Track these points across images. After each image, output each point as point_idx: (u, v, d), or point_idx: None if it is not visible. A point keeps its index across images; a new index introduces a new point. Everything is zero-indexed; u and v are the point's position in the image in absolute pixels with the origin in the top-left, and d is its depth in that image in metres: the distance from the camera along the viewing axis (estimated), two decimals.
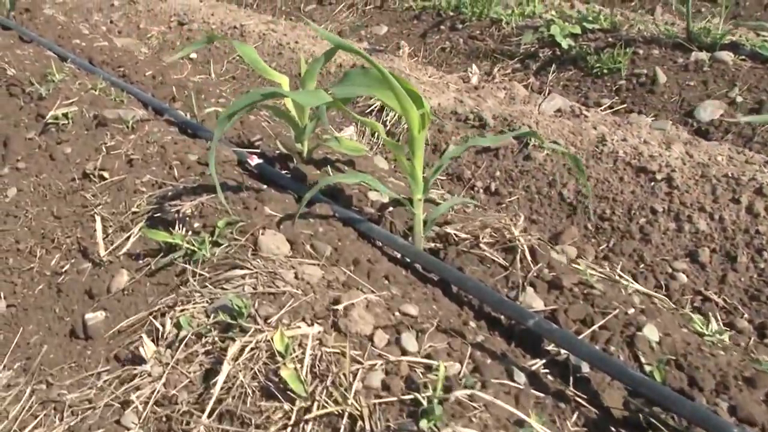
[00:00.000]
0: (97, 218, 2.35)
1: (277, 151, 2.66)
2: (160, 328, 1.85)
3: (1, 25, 4.65)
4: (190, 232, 2.14)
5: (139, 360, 1.84)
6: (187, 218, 2.18)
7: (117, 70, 3.77)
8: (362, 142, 3.60)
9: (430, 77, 4.54)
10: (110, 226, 2.36)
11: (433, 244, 2.07)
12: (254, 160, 2.51)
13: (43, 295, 2.32)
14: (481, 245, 1.94)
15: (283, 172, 2.48)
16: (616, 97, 4.19)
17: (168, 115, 2.98)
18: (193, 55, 5.77)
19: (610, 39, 4.64)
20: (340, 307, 1.61)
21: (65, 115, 2.93)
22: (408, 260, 2.02)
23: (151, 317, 1.91)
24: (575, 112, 4.03)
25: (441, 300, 1.79)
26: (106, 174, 2.58)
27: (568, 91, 4.54)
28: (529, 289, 1.75)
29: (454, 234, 2.02)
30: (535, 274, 1.83)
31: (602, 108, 4.10)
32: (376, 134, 3.88)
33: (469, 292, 1.77)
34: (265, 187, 2.29)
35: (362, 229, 2.07)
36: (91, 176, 2.61)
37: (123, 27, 6.54)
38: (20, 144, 2.91)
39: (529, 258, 1.88)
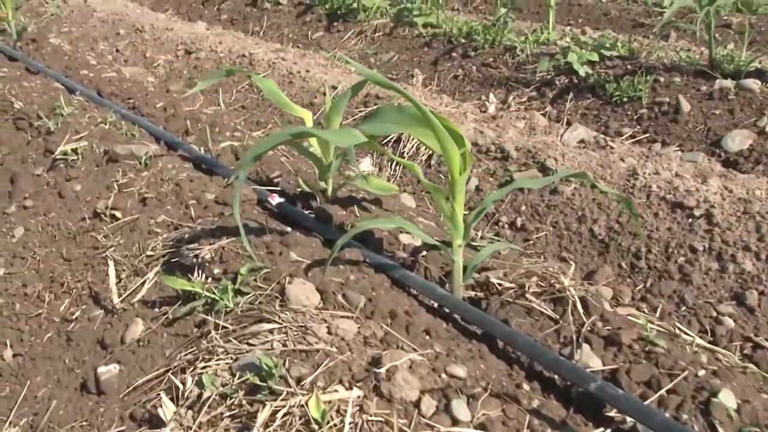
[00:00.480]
0: (110, 262, 2.21)
1: (299, 189, 2.53)
2: (180, 386, 1.70)
3: (8, 56, 4.55)
4: (210, 279, 2.00)
5: (157, 421, 1.69)
6: (207, 263, 2.04)
7: (127, 102, 3.65)
8: (381, 176, 3.47)
9: (446, 107, 4.43)
10: (123, 270, 2.22)
11: (472, 293, 1.93)
12: (275, 199, 2.38)
13: (51, 344, 2.17)
14: (527, 295, 1.80)
15: (307, 212, 2.35)
16: (638, 126, 4.07)
17: (182, 150, 2.85)
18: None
19: (628, 66, 4.54)
20: (382, 370, 1.46)
21: (74, 151, 2.81)
22: (446, 310, 1.87)
23: (170, 373, 1.77)
24: (600, 143, 3.91)
25: (488, 358, 1.65)
26: (118, 213, 2.44)
27: (587, 120, 4.42)
28: (585, 347, 1.61)
29: (497, 282, 1.87)
30: (589, 328, 1.68)
31: (624, 138, 3.99)
32: (394, 166, 3.76)
33: (520, 349, 1.62)
34: (289, 229, 2.15)
35: (396, 276, 1.93)
36: (103, 216, 2.47)
37: (129, 56, 6.46)
38: (28, 181, 2.79)
39: (580, 310, 1.73)
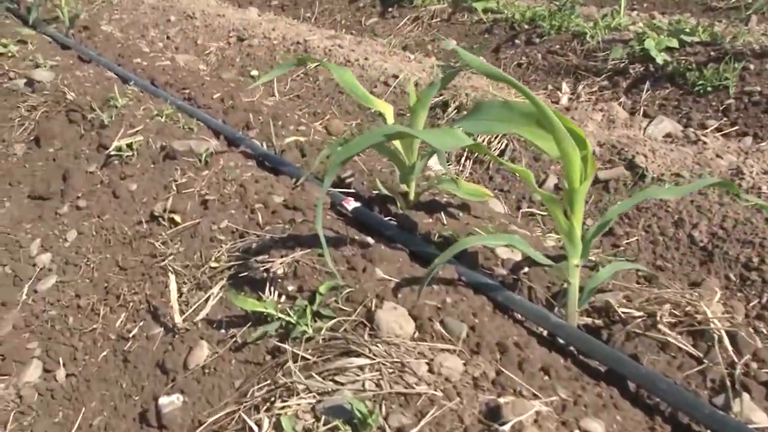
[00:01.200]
0: (170, 274, 1.99)
1: (375, 191, 2.27)
2: (256, 428, 1.46)
3: (61, 44, 4.39)
4: (283, 297, 1.75)
5: None
6: (279, 279, 1.80)
7: (182, 92, 3.44)
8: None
9: (510, 94, 4.12)
10: (184, 283, 1.99)
11: (588, 319, 1.65)
12: (351, 204, 2.12)
13: (107, 364, 1.96)
14: (659, 326, 1.51)
15: (386, 218, 2.09)
16: (725, 118, 3.70)
17: (244, 145, 2.62)
18: (254, 72, 5.47)
19: (711, 53, 4.14)
20: (506, 427, 1.19)
21: (129, 146, 2.60)
22: (559, 339, 1.60)
23: (242, 411, 1.53)
24: (689, 137, 3.57)
25: (622, 406, 1.37)
26: (177, 217, 2.22)
27: (667, 112, 4.06)
28: (745, 396, 1.32)
29: (620, 309, 1.59)
30: (742, 371, 1.39)
31: (708, 130, 3.63)
32: (463, 162, 3.48)
33: (661, 396, 1.34)
34: (370, 240, 1.89)
35: (499, 299, 1.66)
36: (160, 219, 2.26)
37: (180, 43, 6.29)
38: (81, 179, 2.59)
39: (729, 347, 1.44)
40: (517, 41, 5.21)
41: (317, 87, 4.89)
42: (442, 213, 2.06)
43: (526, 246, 1.53)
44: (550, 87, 4.65)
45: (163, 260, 2.11)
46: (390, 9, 6.65)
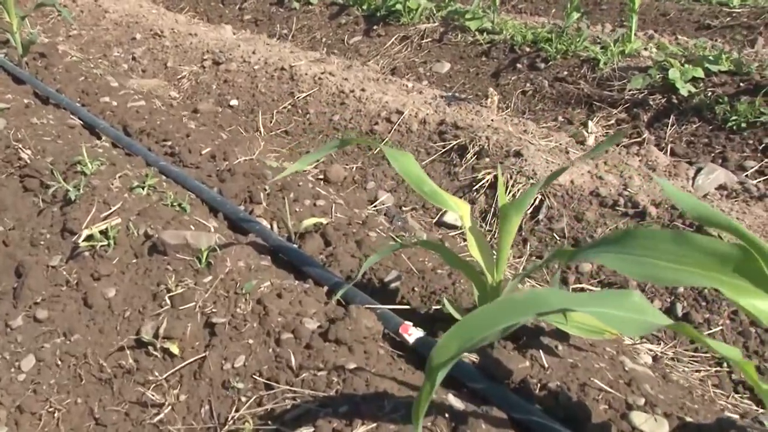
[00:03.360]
0: None
1: (434, 308, 1.73)
2: None
3: (12, 76, 3.70)
4: None
5: None
6: None
7: (163, 145, 2.84)
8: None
9: (534, 136, 3.65)
10: None
11: None
12: (411, 334, 1.58)
13: None
14: None
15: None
16: (766, 159, 3.31)
17: (252, 232, 2.05)
18: (234, 102, 4.91)
19: (741, 84, 3.75)
20: None
21: (104, 233, 2.02)
22: None
23: None
24: (750, 191, 3.13)
25: None
26: (173, 347, 1.65)
27: (696, 150, 3.65)
28: None
29: None
30: None
31: (748, 173, 3.23)
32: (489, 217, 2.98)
33: None
34: (457, 404, 1.35)
35: None
36: (150, 347, 1.68)
37: (148, 65, 5.66)
38: (40, 276, 1.99)
39: None
40: (518, 66, 4.74)
41: (307, 121, 4.35)
42: (540, 350, 1.53)
43: None
44: (560, 118, 4.20)
45: (158, 414, 1.54)
46: (375, 27, 6.12)
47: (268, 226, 2.12)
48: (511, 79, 4.69)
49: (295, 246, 2.00)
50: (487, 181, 3.34)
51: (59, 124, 2.87)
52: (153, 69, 5.59)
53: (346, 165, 3.84)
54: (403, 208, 3.23)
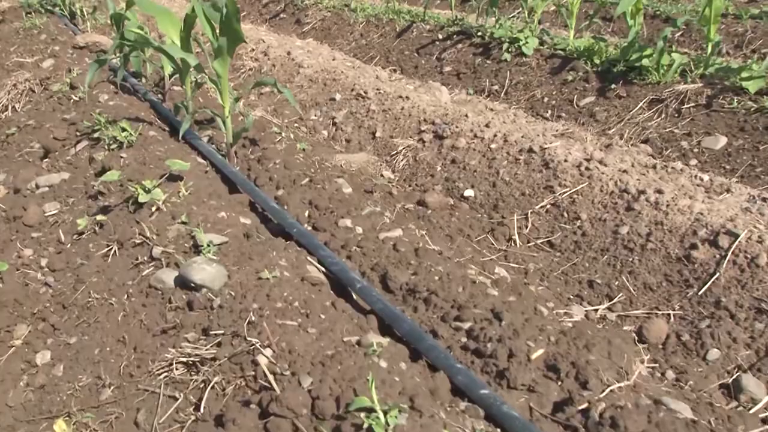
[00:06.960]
0: None
1: None
2: None
3: (221, 174, 2.77)
4: None
5: None
6: None
7: (455, 328, 1.78)
8: None
9: None
10: None
11: None
12: None
13: None
14: None
15: None
16: None
17: None
18: (468, 192, 3.90)
19: None
20: None
21: None
22: None
23: None
24: None
25: None
26: None
27: None
28: None
29: None
30: None
31: None
32: None
33: None
34: None
35: None
36: None
37: (352, 133, 4.77)
38: None
39: None
40: None
41: (579, 231, 3.23)
42: None
43: None
44: None
45: None
46: (612, 86, 4.92)
47: None
48: None
49: None
50: None
51: (295, 277, 1.88)
52: (358, 138, 4.70)
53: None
54: None
